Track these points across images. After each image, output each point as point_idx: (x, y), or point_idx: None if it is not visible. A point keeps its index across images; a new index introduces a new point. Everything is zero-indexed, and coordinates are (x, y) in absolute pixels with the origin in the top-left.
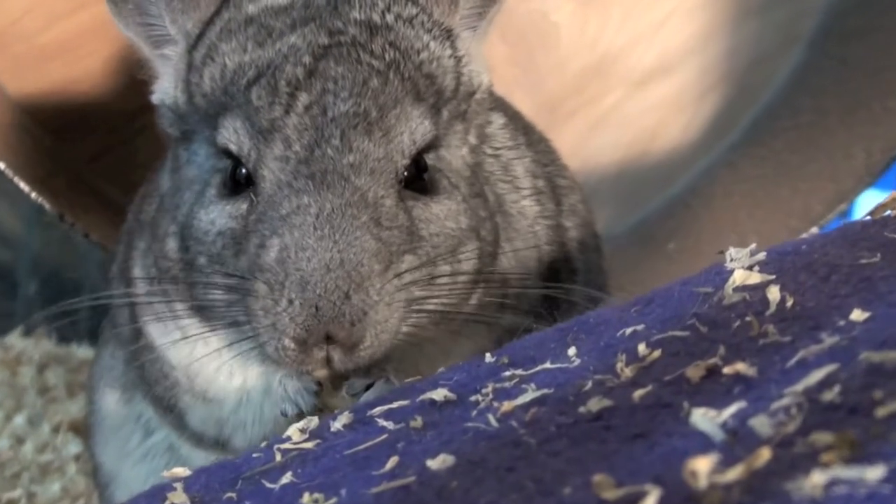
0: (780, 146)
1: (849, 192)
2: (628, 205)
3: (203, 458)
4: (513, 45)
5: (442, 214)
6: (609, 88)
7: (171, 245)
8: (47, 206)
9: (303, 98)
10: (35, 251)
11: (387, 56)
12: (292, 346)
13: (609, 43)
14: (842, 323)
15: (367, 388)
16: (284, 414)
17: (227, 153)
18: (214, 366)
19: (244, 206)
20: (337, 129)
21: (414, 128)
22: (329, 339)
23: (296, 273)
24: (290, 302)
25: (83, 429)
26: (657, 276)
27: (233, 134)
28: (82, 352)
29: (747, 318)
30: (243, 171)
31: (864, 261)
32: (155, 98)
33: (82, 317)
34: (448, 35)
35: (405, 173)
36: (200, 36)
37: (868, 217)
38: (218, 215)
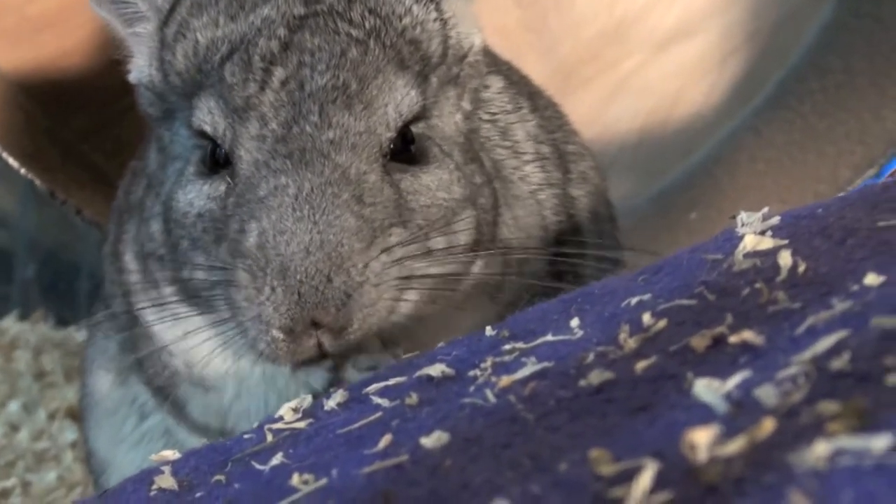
0: (807, 110)
1: (879, 155)
2: (649, 174)
3: (200, 443)
4: (526, 8)
5: (433, 185)
6: (628, 53)
7: (156, 227)
8: (37, 182)
9: (278, 73)
10: (31, 232)
11: (366, 23)
12: (281, 336)
13: (627, 4)
14: (855, 288)
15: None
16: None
17: (202, 134)
18: (209, 350)
19: (222, 188)
20: (315, 105)
21: (399, 99)
22: (317, 325)
23: (276, 259)
24: (273, 290)
25: (79, 413)
26: (677, 248)
27: (206, 114)
28: (81, 335)
29: (757, 285)
30: (222, 151)
31: (882, 223)
32: (132, 77)
33: (81, 299)
34: None
35: (391, 146)
36: (171, 11)
37: (891, 179)
38: (196, 196)
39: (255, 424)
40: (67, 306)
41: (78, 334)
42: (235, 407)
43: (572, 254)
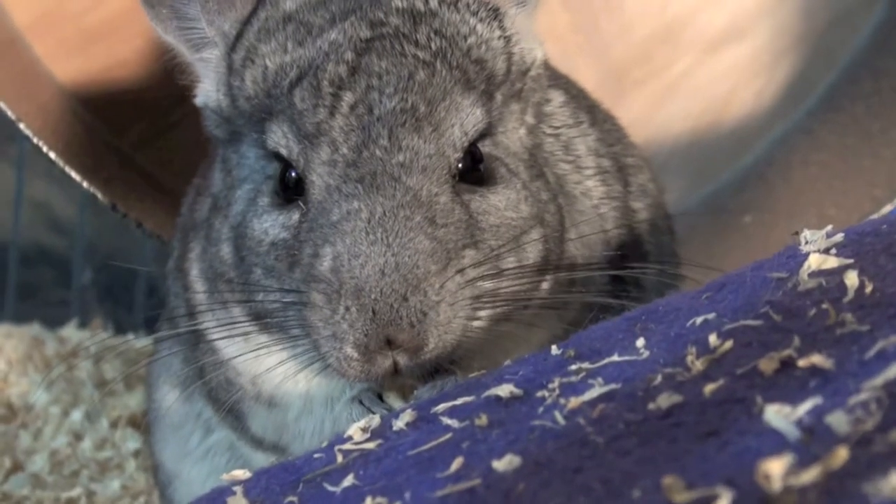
0: (860, 111)
1: None
2: (700, 177)
3: (263, 457)
4: (575, 11)
5: (501, 205)
6: (678, 55)
7: (226, 250)
8: (99, 195)
9: (347, 98)
10: (89, 238)
11: (432, 45)
12: (354, 354)
13: (678, 6)
14: None
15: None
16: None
17: (277, 156)
18: (280, 373)
19: (296, 216)
20: (384, 128)
21: (465, 119)
22: (392, 344)
23: (350, 281)
24: (347, 309)
25: (142, 423)
26: (732, 251)
27: (281, 138)
28: (140, 342)
29: (823, 306)
30: (293, 173)
31: None
32: (198, 101)
33: (138, 304)
34: (495, 15)
35: (459, 166)
36: (239, 37)
37: None
38: (270, 225)
39: (325, 444)
40: (125, 312)
41: (137, 341)
42: (294, 426)
43: (635, 269)
